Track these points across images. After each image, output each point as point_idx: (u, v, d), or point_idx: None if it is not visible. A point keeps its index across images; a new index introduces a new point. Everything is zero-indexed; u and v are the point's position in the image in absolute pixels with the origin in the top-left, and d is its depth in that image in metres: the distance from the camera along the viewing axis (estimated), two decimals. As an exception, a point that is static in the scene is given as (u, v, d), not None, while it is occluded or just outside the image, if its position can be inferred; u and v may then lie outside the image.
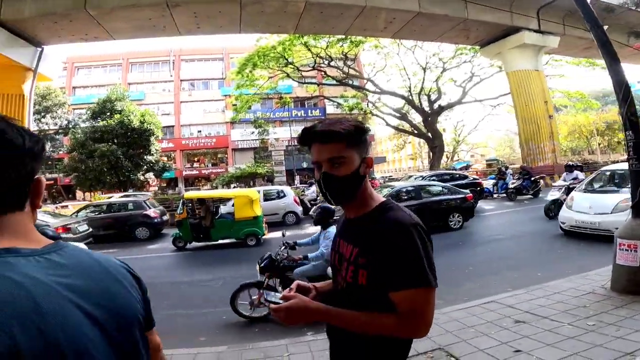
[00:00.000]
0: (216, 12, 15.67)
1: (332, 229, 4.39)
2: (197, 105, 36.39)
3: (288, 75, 22.37)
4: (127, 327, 0.73)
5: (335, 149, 1.05)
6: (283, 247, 4.43)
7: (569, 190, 8.83)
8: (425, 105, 24.63)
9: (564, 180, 9.76)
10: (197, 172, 35.45)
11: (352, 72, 23.56)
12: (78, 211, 12.26)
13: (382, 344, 1.06)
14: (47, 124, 26.52)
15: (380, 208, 1.08)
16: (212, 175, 33.55)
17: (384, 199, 1.13)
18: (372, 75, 24.81)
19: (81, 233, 9.35)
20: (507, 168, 17.65)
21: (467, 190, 10.42)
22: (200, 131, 36.25)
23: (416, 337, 1.03)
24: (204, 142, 35.74)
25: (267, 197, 13.12)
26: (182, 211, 9.51)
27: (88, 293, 0.68)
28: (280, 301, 1.06)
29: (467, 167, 30.03)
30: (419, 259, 0.97)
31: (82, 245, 5.95)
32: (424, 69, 23.70)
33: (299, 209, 13.22)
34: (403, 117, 25.91)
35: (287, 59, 20.56)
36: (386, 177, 24.81)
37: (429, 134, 24.72)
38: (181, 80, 36.74)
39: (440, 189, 10.02)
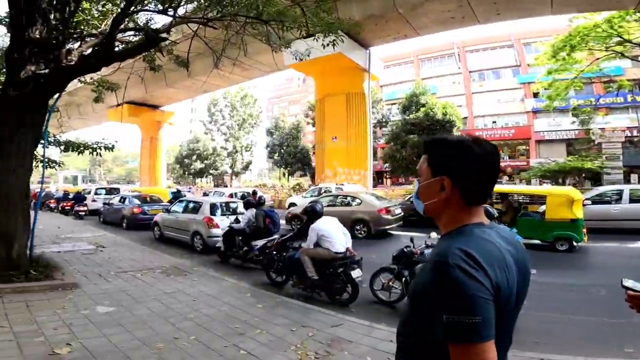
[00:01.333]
0: (520, -5, 14.09)
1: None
2: (490, 96, 35.36)
3: (623, 55, 17.30)
4: (523, 293, 0.95)
5: None
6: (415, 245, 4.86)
7: None
8: None
9: None
10: (493, 164, 34.03)
11: None
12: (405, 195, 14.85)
13: None
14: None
15: None
16: (509, 168, 31.44)
17: None
18: None
19: (397, 215, 11.01)
20: None
21: None
22: (495, 122, 35.12)
23: None
24: (500, 133, 34.10)
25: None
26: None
27: (517, 260, 0.92)
28: None
29: None
30: None
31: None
32: None
33: None
34: None
35: (620, 37, 15.73)
36: None
37: None
38: (470, 72, 36.52)
39: None
